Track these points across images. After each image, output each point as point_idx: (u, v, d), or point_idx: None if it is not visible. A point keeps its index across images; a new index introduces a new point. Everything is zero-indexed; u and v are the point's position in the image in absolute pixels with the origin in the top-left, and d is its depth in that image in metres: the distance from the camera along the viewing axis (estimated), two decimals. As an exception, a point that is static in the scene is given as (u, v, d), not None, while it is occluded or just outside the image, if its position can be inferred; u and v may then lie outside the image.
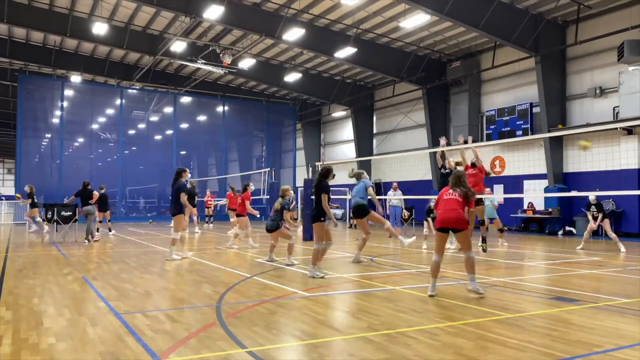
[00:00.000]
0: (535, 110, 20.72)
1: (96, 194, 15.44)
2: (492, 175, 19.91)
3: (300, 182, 27.20)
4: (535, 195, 20.67)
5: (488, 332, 4.88)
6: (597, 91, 19.00)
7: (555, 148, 20.12)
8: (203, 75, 29.38)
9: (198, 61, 24.82)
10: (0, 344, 4.43)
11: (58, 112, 28.92)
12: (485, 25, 18.48)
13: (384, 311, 5.85)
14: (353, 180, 10.94)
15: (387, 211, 18.31)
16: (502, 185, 21.93)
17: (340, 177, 16.08)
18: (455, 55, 24.14)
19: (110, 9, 22.40)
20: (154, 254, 11.88)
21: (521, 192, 21.12)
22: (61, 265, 9.73)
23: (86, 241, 14.17)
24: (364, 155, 29.00)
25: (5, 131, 41.22)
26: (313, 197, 9.01)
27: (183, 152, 34.06)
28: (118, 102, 30.72)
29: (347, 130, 32.43)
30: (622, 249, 12.92)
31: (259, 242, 14.63)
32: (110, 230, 18.08)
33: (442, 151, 12.09)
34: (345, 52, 22.24)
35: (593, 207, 13.54)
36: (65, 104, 29.12)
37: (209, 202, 24.98)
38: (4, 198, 36.03)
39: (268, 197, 23.14)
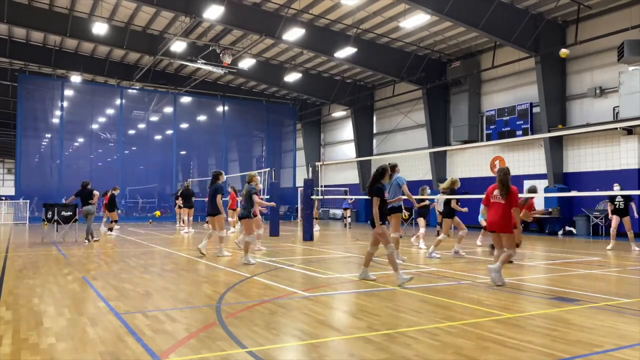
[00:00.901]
0: (535, 110, 20.73)
1: (96, 193, 15.44)
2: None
3: (300, 182, 27.19)
4: (535, 195, 20.61)
5: (488, 332, 4.88)
6: (597, 91, 19.00)
7: (555, 148, 20.12)
8: (203, 75, 29.38)
9: (198, 61, 24.82)
10: (0, 344, 4.42)
11: (58, 112, 28.92)
12: (485, 25, 18.49)
13: (384, 311, 5.85)
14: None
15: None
16: (502, 185, 21.87)
17: (341, 177, 16.05)
18: (455, 55, 24.14)
19: (110, 9, 22.40)
20: (154, 254, 11.88)
21: (521, 192, 21.03)
22: (61, 265, 9.72)
23: (86, 241, 14.18)
24: (364, 155, 29.01)
25: (5, 131, 41.27)
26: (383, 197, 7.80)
27: (183, 152, 34.10)
28: (118, 102, 30.73)
29: (347, 130, 32.42)
30: (635, 247, 12.73)
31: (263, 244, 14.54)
32: (110, 230, 18.25)
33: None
34: (345, 52, 22.25)
35: (619, 197, 12.54)
36: (65, 104, 29.14)
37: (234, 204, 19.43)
38: (4, 198, 36.07)
39: (268, 197, 23.06)
